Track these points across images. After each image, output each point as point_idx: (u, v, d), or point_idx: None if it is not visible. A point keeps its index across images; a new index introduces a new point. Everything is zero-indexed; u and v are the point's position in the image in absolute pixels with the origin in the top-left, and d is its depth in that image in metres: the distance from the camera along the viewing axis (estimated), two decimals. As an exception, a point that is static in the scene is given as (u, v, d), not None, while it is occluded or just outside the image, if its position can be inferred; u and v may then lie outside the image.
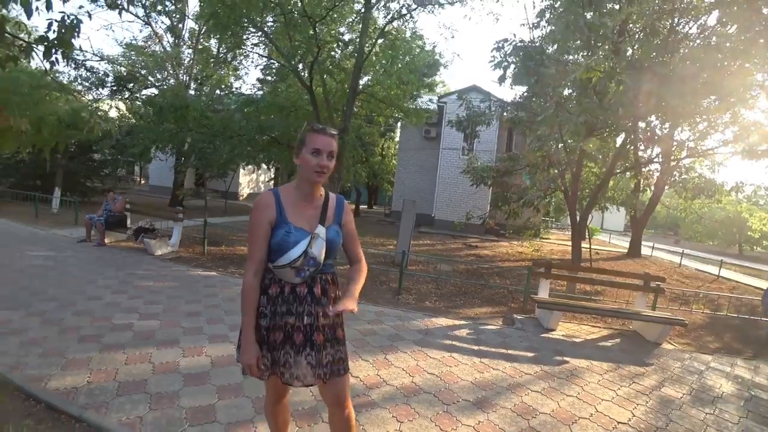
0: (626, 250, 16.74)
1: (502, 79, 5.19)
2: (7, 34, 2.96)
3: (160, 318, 4.20)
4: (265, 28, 10.14)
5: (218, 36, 10.32)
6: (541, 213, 11.89)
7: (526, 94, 8.27)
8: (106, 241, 7.59)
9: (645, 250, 17.49)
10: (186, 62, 16.29)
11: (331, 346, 1.77)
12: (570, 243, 8.31)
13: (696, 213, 15.18)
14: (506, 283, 8.35)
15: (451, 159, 17.86)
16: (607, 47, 4.71)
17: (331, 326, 1.78)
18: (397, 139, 24.34)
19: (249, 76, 23.47)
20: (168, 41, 16.68)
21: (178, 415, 2.55)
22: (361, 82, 11.99)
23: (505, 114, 8.74)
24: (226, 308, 4.74)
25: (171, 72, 16.01)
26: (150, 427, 2.42)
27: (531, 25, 7.42)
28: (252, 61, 14.32)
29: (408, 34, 11.93)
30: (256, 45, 12.06)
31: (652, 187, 13.42)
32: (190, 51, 16.53)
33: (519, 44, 5.34)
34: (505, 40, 5.36)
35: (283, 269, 1.67)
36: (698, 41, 5.98)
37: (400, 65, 11.24)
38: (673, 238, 38.59)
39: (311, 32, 9.05)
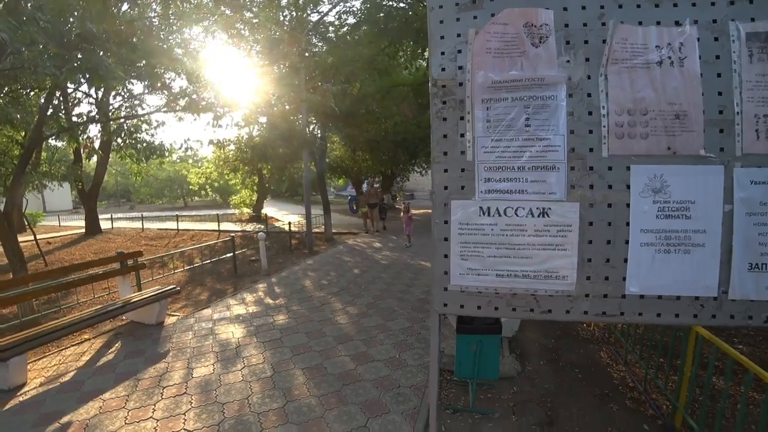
0: (84, 230, 14.78)
1: None
2: None
3: None
4: None
5: None
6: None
7: None
8: None
9: (105, 224, 16.33)
10: None
11: None
12: (-1, 244, 5.85)
13: (146, 176, 15.62)
14: None
15: None
16: None
17: None
18: None
19: None
20: None
21: None
22: None
23: None
24: None
25: None
26: None
27: None
28: None
29: None
30: None
31: (99, 154, 11.82)
32: None
33: None
34: None
35: None
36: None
37: None
38: (128, 204, 39.10)
39: None
